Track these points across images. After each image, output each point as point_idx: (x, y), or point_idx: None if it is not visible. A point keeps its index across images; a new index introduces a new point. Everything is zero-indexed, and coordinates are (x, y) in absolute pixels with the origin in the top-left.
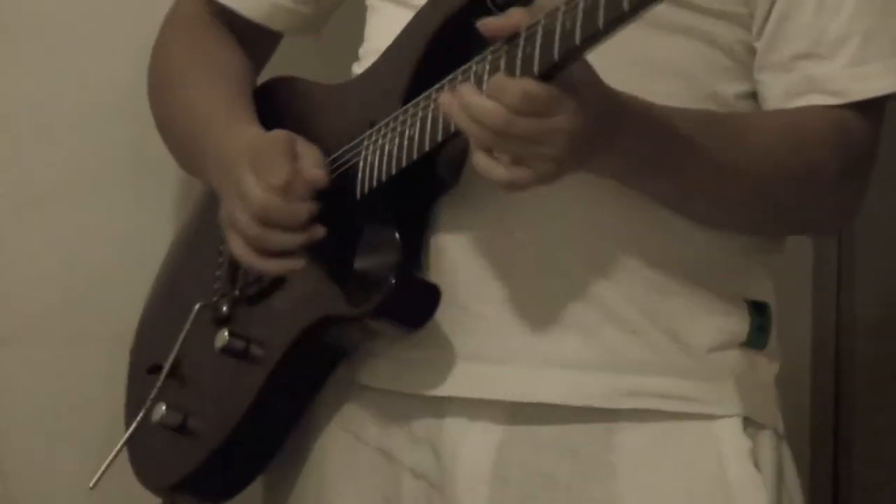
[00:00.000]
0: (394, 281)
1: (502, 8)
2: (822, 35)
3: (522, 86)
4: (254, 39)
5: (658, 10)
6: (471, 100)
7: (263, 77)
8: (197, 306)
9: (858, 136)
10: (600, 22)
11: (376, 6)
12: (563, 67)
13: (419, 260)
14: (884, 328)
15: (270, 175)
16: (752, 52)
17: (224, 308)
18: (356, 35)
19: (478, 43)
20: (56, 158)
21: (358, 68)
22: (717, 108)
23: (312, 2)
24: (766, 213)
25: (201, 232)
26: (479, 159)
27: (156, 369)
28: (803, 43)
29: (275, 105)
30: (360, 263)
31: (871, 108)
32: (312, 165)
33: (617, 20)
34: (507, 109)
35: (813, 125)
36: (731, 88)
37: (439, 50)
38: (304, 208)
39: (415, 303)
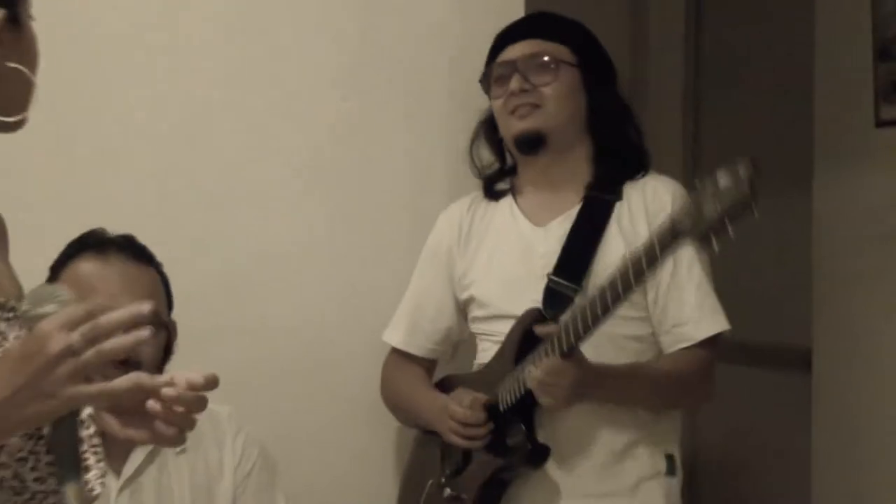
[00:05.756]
0: (529, 446)
1: (554, 317)
2: (679, 316)
3: (553, 361)
4: (427, 363)
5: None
6: (534, 373)
7: None
8: (430, 482)
9: (702, 357)
10: (588, 321)
11: (482, 340)
12: (571, 355)
13: (534, 435)
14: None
15: (460, 404)
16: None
17: (443, 480)
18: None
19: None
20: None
21: (476, 367)
22: (641, 346)
23: (448, 345)
24: (664, 403)
25: (428, 442)
26: (540, 398)
27: None
28: (671, 322)
29: (445, 387)
30: (509, 441)
31: (707, 342)
32: (479, 401)
33: (592, 323)
34: (543, 372)
35: (682, 358)
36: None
37: (522, 347)
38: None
39: (539, 455)
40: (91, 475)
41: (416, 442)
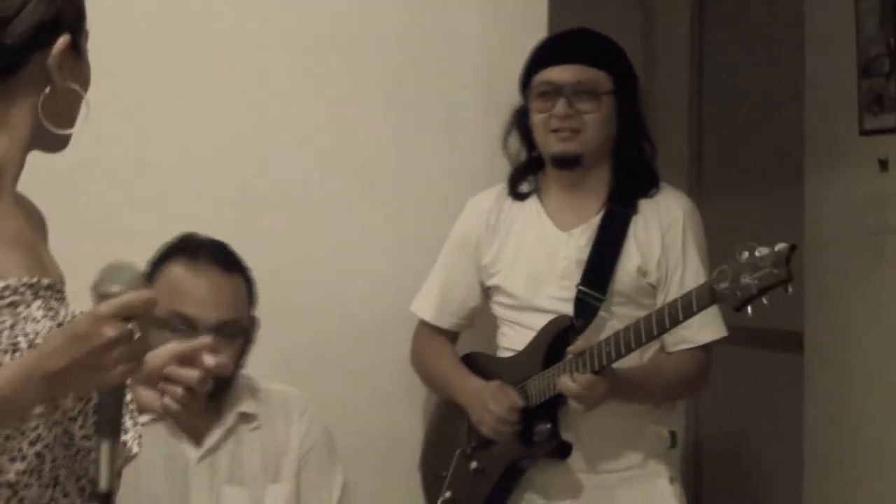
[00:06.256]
0: (555, 443)
1: (580, 331)
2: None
3: (587, 377)
4: (452, 335)
5: (626, 319)
6: (570, 386)
7: None
8: (458, 451)
9: (701, 358)
10: (622, 352)
11: (506, 324)
12: (602, 370)
13: (559, 429)
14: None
15: (499, 404)
16: None
17: (469, 451)
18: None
19: (564, 345)
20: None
21: (501, 353)
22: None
23: (469, 318)
24: (670, 397)
25: (455, 413)
26: (572, 404)
27: (439, 478)
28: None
29: (471, 364)
30: (536, 437)
31: (706, 345)
32: (517, 399)
33: (625, 352)
34: (580, 386)
35: (685, 359)
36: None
37: (550, 349)
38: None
39: (562, 451)
40: (129, 436)
41: (441, 408)
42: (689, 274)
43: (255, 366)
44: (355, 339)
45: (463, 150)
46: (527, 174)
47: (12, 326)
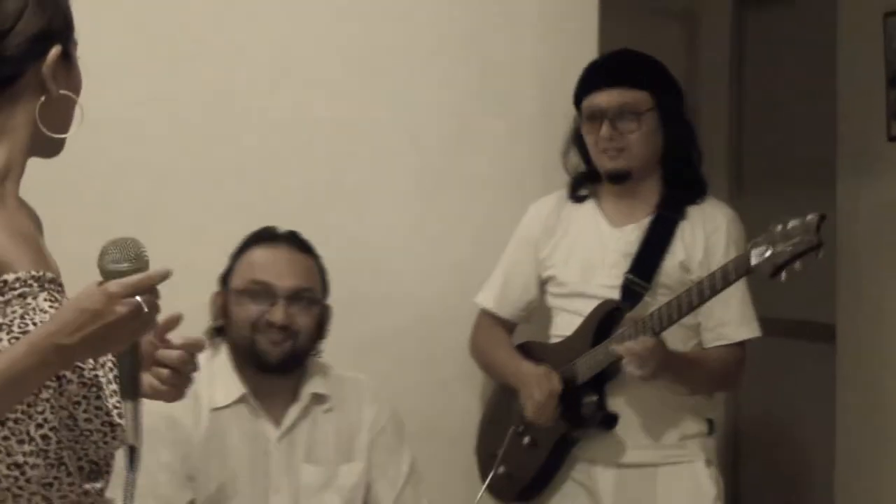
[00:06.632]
0: (601, 414)
1: (629, 308)
2: (723, 318)
3: (648, 340)
4: (510, 325)
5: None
6: (632, 346)
7: None
8: (511, 429)
9: (738, 355)
10: (673, 317)
11: (558, 313)
12: (658, 334)
13: (605, 401)
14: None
15: (541, 390)
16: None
17: (521, 429)
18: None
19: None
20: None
21: (554, 339)
22: (687, 333)
23: (528, 312)
24: (710, 386)
25: (508, 396)
26: (629, 369)
27: (493, 456)
28: (716, 321)
29: (525, 352)
30: (583, 410)
31: (742, 343)
32: (557, 384)
33: (676, 317)
34: (641, 347)
35: (723, 353)
36: (692, 329)
37: (598, 331)
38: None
39: (608, 422)
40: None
41: (497, 393)
42: None
43: (330, 355)
44: (420, 331)
45: (520, 157)
46: (585, 182)
47: (22, 316)
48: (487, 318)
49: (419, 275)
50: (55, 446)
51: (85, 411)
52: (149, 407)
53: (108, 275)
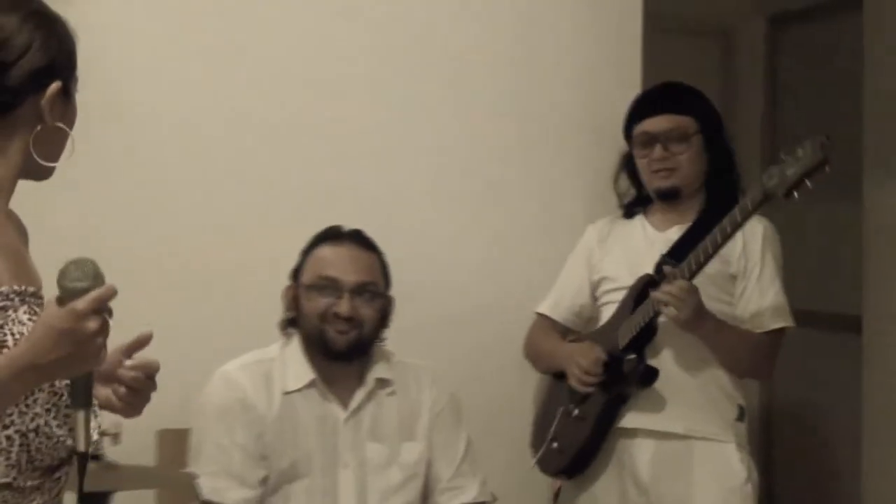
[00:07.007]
0: (642, 368)
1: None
2: (759, 308)
3: (683, 282)
4: (563, 330)
5: (709, 300)
6: (667, 288)
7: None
8: (561, 408)
9: (770, 343)
10: (701, 260)
11: (606, 308)
12: (692, 277)
13: (645, 360)
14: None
15: (586, 358)
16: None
17: (570, 408)
18: None
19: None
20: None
21: (600, 323)
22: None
23: (581, 319)
24: (739, 359)
25: (558, 383)
26: (667, 311)
27: (545, 436)
28: (752, 311)
29: (573, 340)
30: (624, 366)
31: (775, 332)
32: (600, 358)
33: (703, 259)
34: (677, 289)
35: (756, 335)
36: (728, 316)
37: (637, 301)
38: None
39: (649, 374)
40: (91, 425)
41: (548, 380)
42: (766, 272)
43: (393, 343)
44: (478, 322)
45: (565, 166)
46: (637, 205)
47: (1, 327)
48: (542, 321)
49: (475, 270)
50: (17, 449)
51: (55, 417)
52: (225, 391)
53: (68, 292)
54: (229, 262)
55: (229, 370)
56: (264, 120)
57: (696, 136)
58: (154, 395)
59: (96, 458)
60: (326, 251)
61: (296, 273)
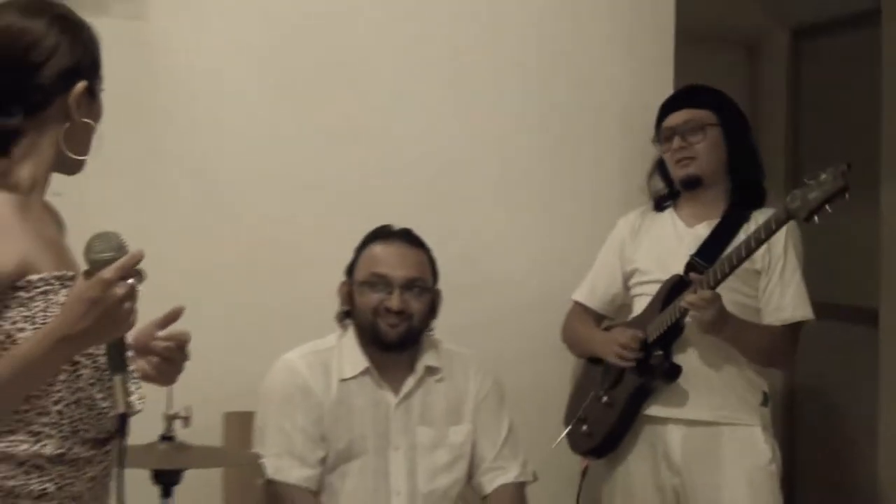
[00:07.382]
0: (667, 364)
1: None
2: (781, 302)
3: (706, 291)
4: (597, 318)
5: (734, 293)
6: (691, 297)
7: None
8: (592, 393)
9: (791, 335)
10: (726, 271)
11: (638, 299)
12: (716, 286)
13: (671, 356)
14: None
15: (624, 335)
16: (757, 303)
17: (601, 393)
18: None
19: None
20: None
21: (634, 315)
22: (748, 312)
23: (613, 307)
24: (763, 353)
25: (592, 369)
26: (692, 315)
27: (577, 417)
28: (774, 304)
29: (607, 329)
30: (652, 360)
31: (796, 325)
32: (637, 336)
33: (728, 270)
34: (700, 297)
35: (778, 328)
36: (753, 309)
37: (665, 301)
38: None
39: (673, 371)
40: (133, 398)
41: (582, 366)
42: (788, 266)
43: (441, 333)
44: (520, 313)
45: (604, 166)
46: (667, 199)
47: (45, 309)
48: (578, 308)
49: (517, 266)
50: (68, 420)
51: (100, 391)
52: (287, 378)
53: (94, 264)
54: (291, 261)
55: (290, 358)
56: (328, 126)
57: (712, 128)
58: (221, 381)
59: (168, 438)
60: (377, 249)
61: (350, 270)
